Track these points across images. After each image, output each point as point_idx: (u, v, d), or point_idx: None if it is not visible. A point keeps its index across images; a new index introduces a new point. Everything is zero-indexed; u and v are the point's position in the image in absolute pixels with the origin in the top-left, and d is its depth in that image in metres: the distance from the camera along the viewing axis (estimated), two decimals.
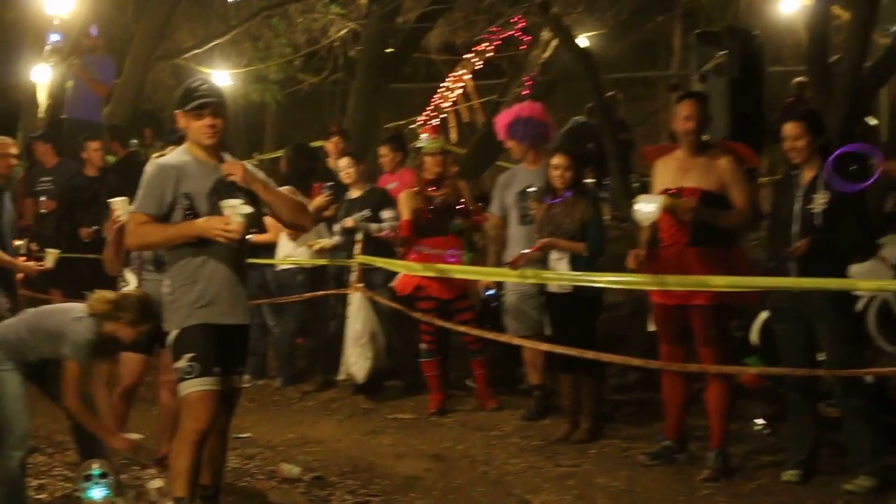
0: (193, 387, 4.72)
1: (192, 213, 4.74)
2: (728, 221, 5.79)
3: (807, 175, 5.60)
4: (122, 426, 5.70)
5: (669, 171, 5.92)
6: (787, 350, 5.72)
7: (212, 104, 4.77)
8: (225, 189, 4.78)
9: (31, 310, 5.53)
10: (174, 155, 4.93)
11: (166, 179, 4.77)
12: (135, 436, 5.41)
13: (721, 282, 5.62)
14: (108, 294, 5.28)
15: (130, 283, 5.86)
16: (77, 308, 5.27)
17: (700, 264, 5.73)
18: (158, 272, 5.76)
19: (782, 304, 5.67)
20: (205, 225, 4.68)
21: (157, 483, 5.28)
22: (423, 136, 7.76)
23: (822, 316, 5.47)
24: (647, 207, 5.65)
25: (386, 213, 8.23)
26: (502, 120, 7.71)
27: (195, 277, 4.78)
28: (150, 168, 4.87)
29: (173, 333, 4.82)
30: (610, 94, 11.28)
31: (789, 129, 5.59)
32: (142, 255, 5.85)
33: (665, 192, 5.82)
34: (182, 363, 4.74)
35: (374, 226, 8.21)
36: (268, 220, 8.57)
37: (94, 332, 5.18)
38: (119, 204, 5.80)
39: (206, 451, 4.83)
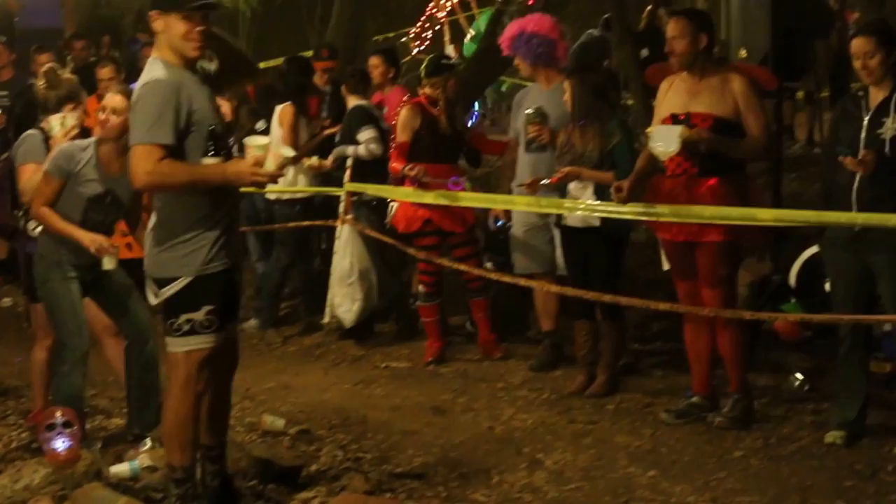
0: (205, 343, 4.47)
1: (225, 152, 4.47)
2: (743, 150, 5.76)
3: (876, 95, 5.43)
4: None
5: (677, 94, 5.88)
6: (839, 293, 5.61)
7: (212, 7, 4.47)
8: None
9: None
10: (158, 70, 4.43)
11: (179, 99, 4.36)
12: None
13: (768, 216, 5.57)
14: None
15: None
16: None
17: (712, 196, 5.69)
18: None
19: (837, 242, 5.53)
20: (237, 171, 4.38)
21: (145, 459, 5.14)
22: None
23: (883, 254, 5.30)
24: (664, 140, 5.59)
25: (363, 134, 8.08)
26: (507, 32, 7.62)
27: (216, 213, 4.47)
28: (152, 89, 4.38)
29: (182, 281, 4.46)
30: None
31: (860, 44, 5.40)
32: None
33: (672, 117, 5.79)
34: (199, 316, 4.46)
35: (349, 148, 8.08)
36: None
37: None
38: None
39: (208, 408, 4.67)
